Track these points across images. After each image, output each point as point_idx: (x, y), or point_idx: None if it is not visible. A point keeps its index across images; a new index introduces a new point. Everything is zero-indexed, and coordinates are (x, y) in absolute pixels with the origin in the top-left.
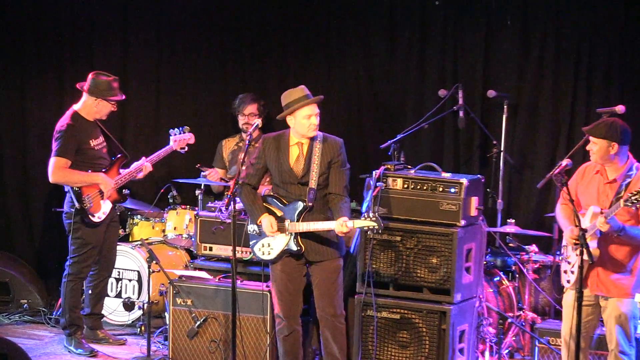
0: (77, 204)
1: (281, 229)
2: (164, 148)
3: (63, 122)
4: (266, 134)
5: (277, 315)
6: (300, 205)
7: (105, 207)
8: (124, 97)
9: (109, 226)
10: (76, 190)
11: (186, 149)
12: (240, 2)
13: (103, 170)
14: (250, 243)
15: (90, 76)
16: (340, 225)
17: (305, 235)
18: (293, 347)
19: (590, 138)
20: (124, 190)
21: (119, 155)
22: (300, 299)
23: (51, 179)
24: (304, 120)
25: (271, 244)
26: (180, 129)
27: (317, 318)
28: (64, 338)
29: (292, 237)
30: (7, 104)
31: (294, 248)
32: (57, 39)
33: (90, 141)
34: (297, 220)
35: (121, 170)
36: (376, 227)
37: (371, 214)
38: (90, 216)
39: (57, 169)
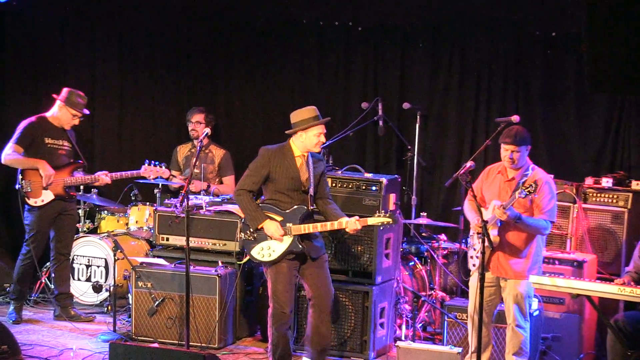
0: (17, 185)
1: (284, 232)
2: (131, 171)
3: (28, 120)
4: (266, 146)
5: (278, 314)
6: (303, 209)
7: (45, 195)
8: (86, 112)
9: (61, 216)
10: (19, 173)
11: (151, 178)
12: (192, 28)
13: (54, 167)
14: (246, 248)
15: (65, 88)
16: (354, 223)
17: (303, 236)
18: (288, 337)
19: (512, 147)
20: (69, 190)
21: (79, 161)
22: None
23: (2, 160)
24: (314, 138)
25: (272, 246)
26: (157, 162)
27: (315, 306)
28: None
29: (295, 238)
30: None
31: (298, 248)
32: (33, 59)
33: (46, 139)
34: (300, 224)
35: (76, 173)
36: (391, 222)
37: (383, 212)
38: (26, 198)
39: (7, 152)
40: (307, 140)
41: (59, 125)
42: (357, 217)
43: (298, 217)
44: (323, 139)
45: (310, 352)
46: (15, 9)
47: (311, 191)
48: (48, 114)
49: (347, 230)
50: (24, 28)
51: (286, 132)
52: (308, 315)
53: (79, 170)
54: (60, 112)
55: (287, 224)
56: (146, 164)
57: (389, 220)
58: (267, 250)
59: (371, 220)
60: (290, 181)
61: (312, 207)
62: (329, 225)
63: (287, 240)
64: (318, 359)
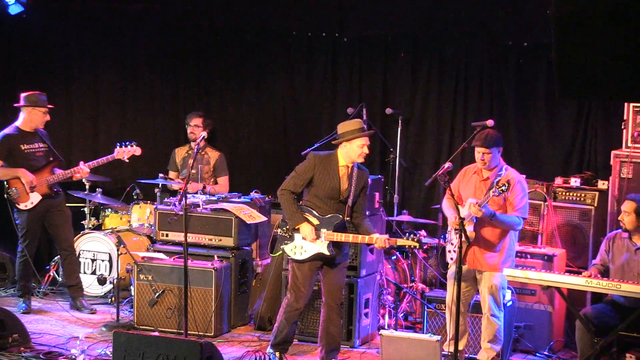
0: (5, 194)
1: (317, 236)
2: (106, 156)
3: (2, 132)
4: (315, 152)
5: (293, 305)
6: (338, 218)
7: (33, 197)
8: (51, 105)
9: (50, 214)
10: (5, 183)
11: (125, 158)
12: (189, 38)
13: (34, 170)
14: (280, 243)
15: (21, 95)
16: (383, 241)
17: (335, 243)
18: (294, 328)
19: (483, 149)
20: (53, 187)
21: (58, 160)
22: None
23: None
24: (357, 149)
25: (304, 246)
26: (128, 142)
27: (325, 305)
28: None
29: (327, 244)
30: (4, 118)
31: (328, 253)
32: (41, 65)
33: (21, 146)
34: (333, 231)
35: (56, 171)
36: (418, 246)
37: (412, 236)
38: (16, 204)
39: None
40: (350, 150)
41: (32, 130)
42: (387, 236)
43: (333, 225)
44: (366, 150)
45: (321, 350)
46: (25, 20)
47: (349, 202)
48: (18, 123)
49: (375, 245)
50: (32, 38)
51: (333, 142)
52: (320, 314)
53: (58, 167)
54: (31, 115)
55: (322, 229)
56: (118, 147)
57: (416, 244)
58: (299, 249)
59: (400, 242)
60: (330, 189)
61: (347, 218)
62: (359, 238)
63: (319, 244)
64: (327, 357)
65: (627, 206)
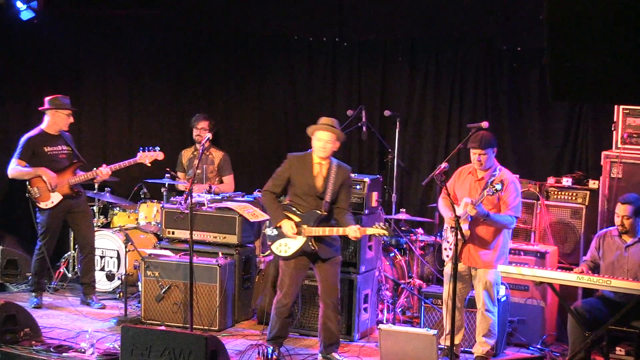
0: (27, 194)
1: (298, 232)
2: (128, 159)
3: (27, 135)
4: (291, 153)
5: (281, 301)
6: (317, 214)
7: (54, 197)
8: (74, 109)
9: (72, 214)
10: (27, 183)
11: (147, 162)
12: (193, 44)
13: (56, 170)
14: (268, 242)
15: (45, 99)
16: (354, 231)
17: (317, 238)
18: (285, 322)
19: (479, 151)
20: (74, 188)
21: (81, 162)
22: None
23: (8, 174)
24: (317, 142)
25: (288, 243)
26: (151, 148)
27: (321, 302)
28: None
29: (308, 239)
30: (16, 119)
31: (310, 248)
32: (52, 70)
33: (45, 148)
34: (314, 226)
35: (78, 172)
36: (387, 234)
37: (381, 224)
38: (37, 203)
39: (12, 167)
40: (314, 145)
41: (56, 132)
42: (358, 226)
43: (313, 220)
44: (325, 145)
45: (320, 344)
46: (35, 25)
47: (327, 197)
48: (43, 126)
49: (349, 236)
50: (42, 43)
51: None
52: (319, 310)
53: (80, 169)
54: (55, 118)
55: (303, 225)
56: (141, 151)
57: (385, 232)
58: (284, 247)
59: (370, 231)
60: (306, 186)
61: (325, 213)
62: (335, 231)
63: (301, 240)
64: (326, 352)
65: (625, 210)
